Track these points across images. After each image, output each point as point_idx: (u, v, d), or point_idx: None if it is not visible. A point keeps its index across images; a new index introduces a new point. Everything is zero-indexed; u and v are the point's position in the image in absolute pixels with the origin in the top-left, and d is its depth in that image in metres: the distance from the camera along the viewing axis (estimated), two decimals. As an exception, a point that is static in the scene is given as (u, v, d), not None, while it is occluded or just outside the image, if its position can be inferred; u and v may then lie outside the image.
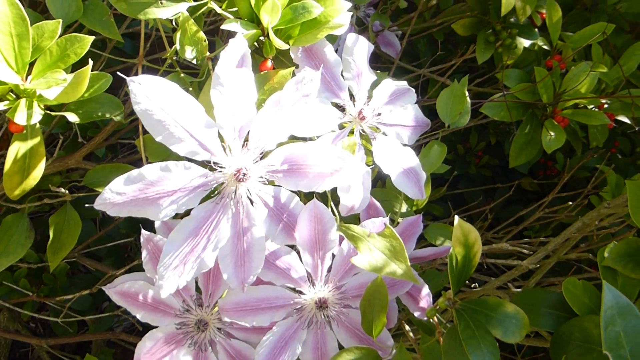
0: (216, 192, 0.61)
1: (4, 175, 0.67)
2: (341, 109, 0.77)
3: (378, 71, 0.88)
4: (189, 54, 0.70)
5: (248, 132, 0.61)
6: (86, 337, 1.24)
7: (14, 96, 0.63)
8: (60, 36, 0.63)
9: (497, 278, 0.94)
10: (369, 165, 0.76)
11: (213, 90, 0.59)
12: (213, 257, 0.60)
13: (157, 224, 0.74)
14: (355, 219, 0.82)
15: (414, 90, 0.85)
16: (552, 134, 1.10)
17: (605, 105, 1.18)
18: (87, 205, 0.59)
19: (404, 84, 0.84)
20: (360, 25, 1.28)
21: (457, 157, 1.71)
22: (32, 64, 0.62)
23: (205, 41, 0.71)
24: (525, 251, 0.96)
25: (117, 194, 0.55)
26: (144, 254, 0.72)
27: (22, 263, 1.11)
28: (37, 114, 0.62)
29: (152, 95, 0.55)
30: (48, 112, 0.65)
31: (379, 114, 0.79)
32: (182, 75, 0.74)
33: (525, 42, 1.21)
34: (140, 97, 0.55)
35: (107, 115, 0.72)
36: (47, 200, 0.86)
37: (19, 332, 1.26)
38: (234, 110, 0.60)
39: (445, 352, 0.65)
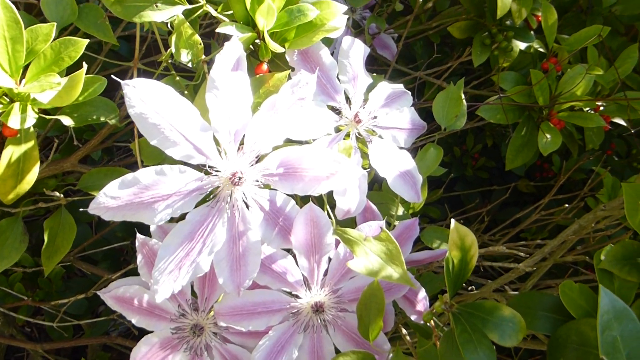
0: (212, 196, 0.61)
1: (-2, 179, 0.67)
2: (337, 112, 0.77)
3: (374, 74, 0.88)
4: (185, 57, 0.70)
5: (243, 136, 0.61)
6: (82, 341, 1.24)
7: (8, 100, 0.62)
8: (54, 39, 0.63)
9: (494, 281, 0.94)
10: (365, 169, 0.76)
11: (208, 93, 0.59)
12: (209, 262, 0.60)
13: (152, 228, 0.74)
14: (352, 222, 0.82)
15: (410, 93, 0.85)
16: (548, 136, 1.10)
17: (601, 108, 1.18)
18: (82, 209, 0.59)
19: (400, 86, 0.84)
20: (356, 28, 1.28)
21: (453, 159, 1.71)
22: (26, 68, 0.62)
23: (200, 44, 0.70)
24: (522, 254, 0.96)
25: (112, 198, 0.55)
26: (139, 258, 0.72)
27: (17, 267, 1.10)
28: (31, 118, 0.61)
29: (146, 98, 0.55)
30: (42, 115, 0.65)
31: (375, 117, 0.79)
32: (178, 78, 0.74)
33: (521, 45, 1.21)
34: (135, 101, 0.54)
35: (102, 119, 0.72)
36: (42, 204, 0.85)
37: (14, 337, 1.25)
38: (229, 113, 0.60)
39: (442, 356, 0.65)
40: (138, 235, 0.72)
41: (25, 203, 0.85)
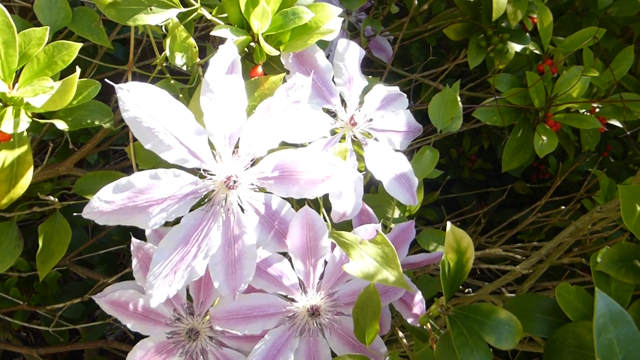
0: (206, 200, 0.61)
1: (-9, 184, 0.67)
2: (332, 114, 0.77)
3: (370, 76, 0.88)
4: (179, 60, 0.70)
5: (238, 139, 0.61)
6: (78, 345, 1.23)
7: (1, 104, 0.62)
8: (49, 43, 0.62)
9: (491, 283, 0.94)
10: (361, 171, 0.75)
11: (203, 97, 0.58)
12: (204, 266, 0.60)
13: (147, 232, 0.74)
14: (348, 225, 0.81)
15: (405, 95, 0.85)
16: (544, 138, 1.11)
17: (597, 110, 1.18)
18: (76, 214, 0.59)
19: (395, 89, 0.84)
20: (352, 31, 1.28)
21: (450, 161, 1.71)
22: (19, 72, 0.62)
23: (195, 47, 0.70)
24: (519, 256, 0.96)
25: (106, 203, 0.55)
26: (134, 262, 0.71)
27: (13, 271, 1.09)
28: (25, 122, 0.61)
29: (140, 102, 0.54)
30: (36, 119, 0.64)
31: (371, 120, 0.79)
32: (173, 81, 0.74)
33: (516, 47, 1.21)
34: (129, 105, 0.54)
35: (97, 123, 0.71)
36: (37, 208, 0.85)
37: (10, 342, 1.24)
38: (224, 117, 0.59)
39: (438, 359, 0.65)
40: (133, 239, 0.71)
41: (20, 207, 0.84)
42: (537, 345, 0.83)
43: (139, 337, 0.73)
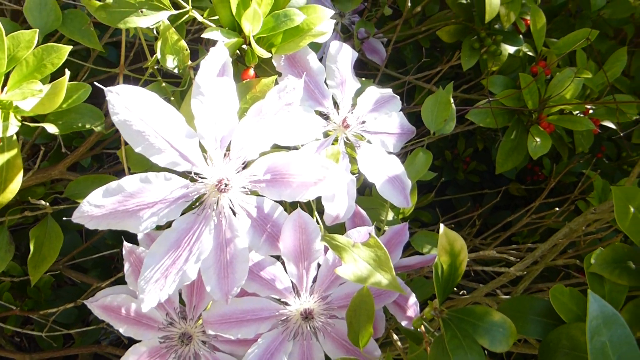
0: (198, 203, 0.60)
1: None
2: (325, 117, 0.77)
3: (364, 78, 0.88)
4: (170, 63, 0.69)
5: (230, 142, 0.61)
6: (72, 350, 1.22)
7: (-10, 108, 0.61)
8: (39, 45, 0.62)
9: (485, 285, 0.94)
10: (353, 174, 0.75)
11: (193, 99, 0.58)
12: (195, 270, 0.59)
13: (139, 236, 0.73)
14: (341, 228, 0.81)
15: (398, 97, 0.85)
16: (538, 139, 1.11)
17: (590, 111, 1.18)
18: (66, 218, 0.58)
19: (388, 91, 0.84)
20: (345, 33, 1.28)
21: (444, 163, 1.71)
22: (7, 75, 0.61)
23: (187, 50, 0.70)
24: (513, 258, 0.96)
25: (96, 207, 0.54)
26: (126, 266, 0.71)
27: (5, 276, 1.09)
28: (14, 126, 0.60)
29: (130, 105, 0.54)
30: (26, 123, 0.64)
31: (364, 122, 0.79)
32: (164, 84, 0.73)
33: (510, 49, 1.21)
34: (119, 108, 0.54)
35: (88, 126, 0.71)
36: (28, 212, 0.84)
37: (3, 347, 1.24)
38: (215, 119, 0.59)
39: (432, 362, 0.64)
40: (125, 243, 0.71)
41: (11, 212, 0.84)
42: (531, 347, 0.82)
43: (133, 341, 0.72)
